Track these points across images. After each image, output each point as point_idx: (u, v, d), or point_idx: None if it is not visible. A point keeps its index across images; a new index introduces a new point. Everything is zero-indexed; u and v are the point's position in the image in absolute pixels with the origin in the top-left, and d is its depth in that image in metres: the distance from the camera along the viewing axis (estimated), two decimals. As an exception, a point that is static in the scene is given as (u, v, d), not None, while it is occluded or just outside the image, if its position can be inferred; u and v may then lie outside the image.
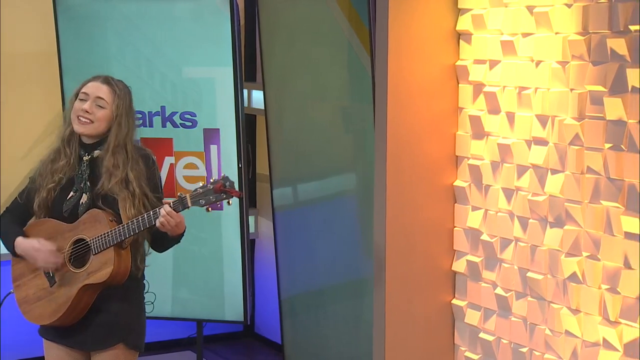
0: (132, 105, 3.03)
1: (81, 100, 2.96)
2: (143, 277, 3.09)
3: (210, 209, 2.88)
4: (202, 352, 4.62)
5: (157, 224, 2.83)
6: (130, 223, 2.84)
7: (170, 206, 2.84)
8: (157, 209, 2.85)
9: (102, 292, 2.93)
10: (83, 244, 2.91)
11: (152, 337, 4.97)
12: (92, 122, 2.94)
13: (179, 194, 2.92)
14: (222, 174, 2.91)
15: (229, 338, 5.32)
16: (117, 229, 2.85)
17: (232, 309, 4.46)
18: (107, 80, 2.99)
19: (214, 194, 2.84)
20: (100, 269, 2.86)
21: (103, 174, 2.93)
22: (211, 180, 2.86)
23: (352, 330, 4.26)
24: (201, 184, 2.86)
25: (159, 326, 4.82)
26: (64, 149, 2.96)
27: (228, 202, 2.92)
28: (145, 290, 3.10)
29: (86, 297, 2.88)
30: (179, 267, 4.50)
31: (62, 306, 2.86)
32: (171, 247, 3.06)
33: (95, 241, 2.87)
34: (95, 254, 2.86)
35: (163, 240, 2.98)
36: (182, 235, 2.97)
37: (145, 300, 3.11)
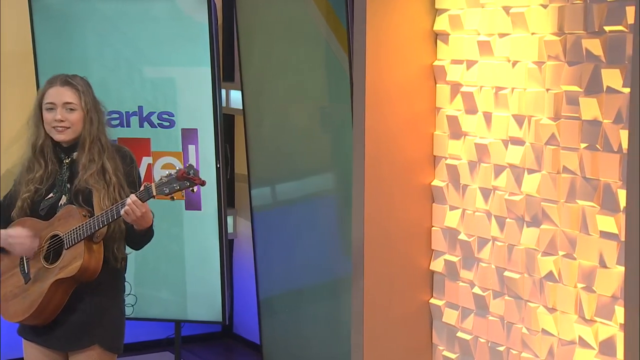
0: (95, 96, 3.04)
1: (49, 110, 2.96)
2: (123, 277, 3.08)
3: (174, 197, 2.88)
4: (180, 352, 4.61)
5: (122, 212, 2.83)
6: (99, 215, 2.84)
7: (136, 196, 2.84)
8: (124, 199, 2.85)
9: (79, 291, 2.91)
10: (57, 239, 2.90)
11: (130, 338, 4.95)
12: (68, 127, 2.94)
13: (144, 183, 2.92)
14: (187, 163, 2.92)
15: (207, 338, 5.31)
16: (87, 222, 2.85)
17: (211, 310, 4.45)
18: (66, 81, 2.99)
19: (177, 182, 2.83)
20: (71, 263, 2.86)
21: (80, 170, 2.93)
22: (175, 169, 2.86)
23: (330, 330, 4.26)
24: (167, 172, 2.88)
25: (137, 327, 4.79)
26: (38, 159, 2.96)
27: (192, 190, 2.91)
28: (127, 292, 3.09)
29: (59, 293, 2.87)
30: (157, 267, 4.49)
31: (35, 302, 2.86)
32: (145, 243, 3.04)
33: (68, 235, 2.87)
34: (68, 248, 2.86)
35: (133, 235, 2.97)
36: (150, 229, 2.94)
37: (125, 303, 3.10)
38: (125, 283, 3.12)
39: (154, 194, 2.85)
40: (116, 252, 2.98)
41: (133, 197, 2.84)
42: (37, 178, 2.96)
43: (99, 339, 2.94)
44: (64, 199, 2.95)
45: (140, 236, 2.96)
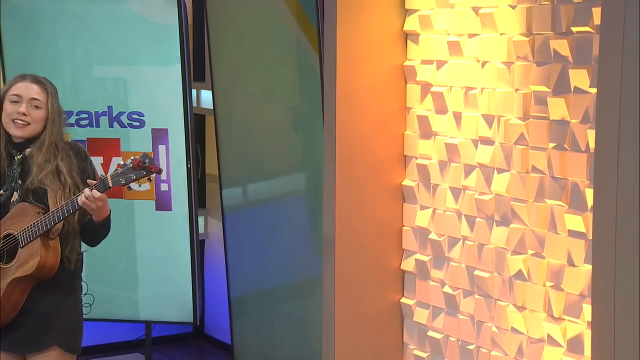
0: (59, 102, 3.02)
1: (14, 102, 2.92)
2: (79, 276, 3.04)
3: (130, 187, 2.87)
4: (151, 354, 4.58)
5: (79, 202, 2.80)
6: (55, 210, 2.81)
7: (92, 187, 2.81)
8: (76, 195, 2.83)
9: (36, 292, 2.87)
10: (11, 238, 2.87)
11: (100, 340, 4.92)
12: (29, 124, 2.90)
13: (100, 175, 2.90)
14: (142, 153, 2.88)
15: (178, 339, 5.29)
16: (42, 219, 2.81)
17: (182, 310, 4.43)
18: (37, 80, 2.96)
19: (133, 172, 2.80)
20: (27, 260, 2.81)
21: (34, 169, 2.89)
22: (130, 159, 2.82)
23: (301, 330, 4.26)
24: (122, 163, 2.86)
25: (107, 328, 4.77)
26: None
27: (149, 179, 2.85)
28: (84, 292, 3.05)
29: (17, 293, 2.83)
30: (127, 268, 4.46)
31: None
32: (101, 237, 3.00)
33: (22, 234, 2.83)
34: (23, 246, 2.82)
35: (90, 228, 2.92)
36: (107, 221, 2.92)
37: (83, 303, 3.06)
38: (82, 282, 3.08)
39: (110, 185, 2.81)
40: (71, 251, 2.95)
41: (87, 191, 2.81)
42: None
43: (58, 339, 2.89)
44: (15, 196, 2.91)
45: (97, 228, 2.91)
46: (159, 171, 2.83)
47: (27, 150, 2.93)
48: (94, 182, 2.86)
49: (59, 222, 2.83)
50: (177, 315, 4.45)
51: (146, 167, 2.80)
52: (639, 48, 2.42)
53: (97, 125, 4.36)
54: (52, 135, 2.92)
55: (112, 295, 4.40)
